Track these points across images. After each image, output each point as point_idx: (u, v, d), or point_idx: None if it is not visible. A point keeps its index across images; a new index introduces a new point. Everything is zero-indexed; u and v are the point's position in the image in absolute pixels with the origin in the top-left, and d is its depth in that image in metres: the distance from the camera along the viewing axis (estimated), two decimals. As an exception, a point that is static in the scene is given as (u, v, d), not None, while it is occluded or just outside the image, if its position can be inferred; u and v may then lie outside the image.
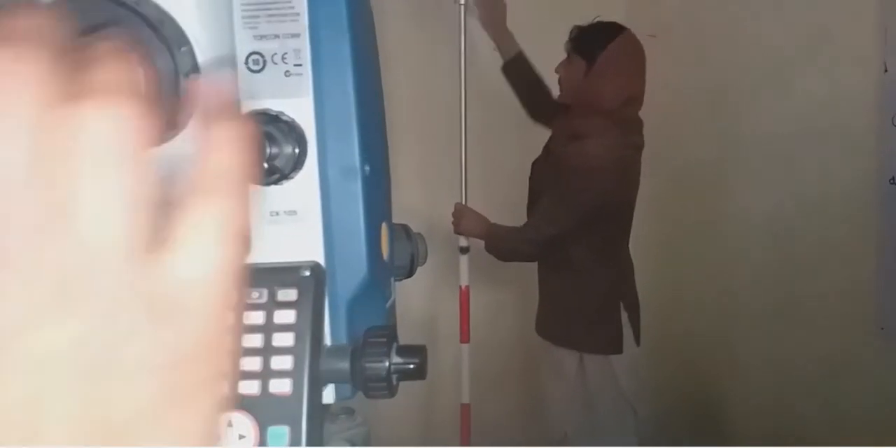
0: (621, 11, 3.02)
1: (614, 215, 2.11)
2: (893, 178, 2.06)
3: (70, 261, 0.19)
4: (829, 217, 2.20)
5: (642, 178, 2.18)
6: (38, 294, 0.19)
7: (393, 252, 0.57)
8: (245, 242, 0.22)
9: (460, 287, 2.38)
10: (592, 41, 1.96)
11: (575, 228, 2.01)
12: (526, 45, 2.25)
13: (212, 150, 0.22)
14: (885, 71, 2.04)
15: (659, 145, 2.94)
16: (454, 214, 2.27)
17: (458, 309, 2.39)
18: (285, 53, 0.43)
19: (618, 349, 2.12)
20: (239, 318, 0.23)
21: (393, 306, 0.56)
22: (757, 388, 2.49)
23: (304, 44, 0.43)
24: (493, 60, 2.31)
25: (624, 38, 1.99)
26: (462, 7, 2.23)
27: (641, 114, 2.12)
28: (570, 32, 2.04)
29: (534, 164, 2.26)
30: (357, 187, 0.45)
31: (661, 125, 2.90)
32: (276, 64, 0.41)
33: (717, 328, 2.67)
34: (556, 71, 2.10)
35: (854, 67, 2.12)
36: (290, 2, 0.41)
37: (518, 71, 2.21)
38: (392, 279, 0.57)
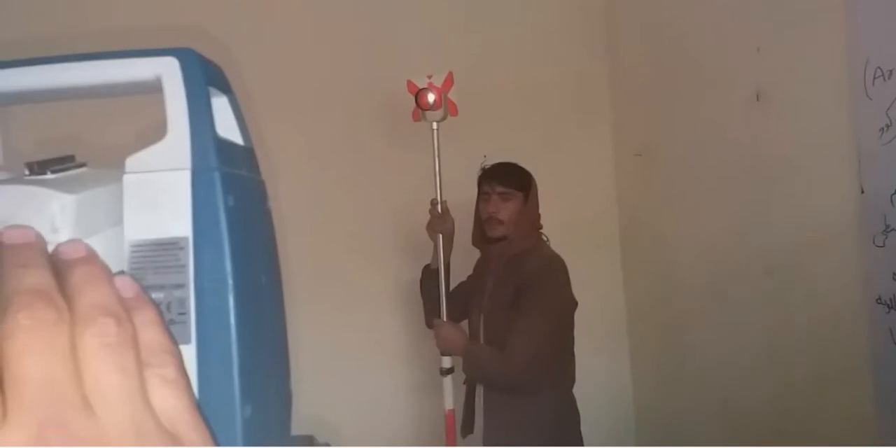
0: (608, 134, 3.11)
1: (572, 319, 2.20)
2: (880, 298, 2.04)
3: None
4: (821, 338, 2.16)
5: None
6: None
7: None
8: None
9: (445, 411, 2.32)
10: (524, 177, 2.28)
11: (554, 339, 2.11)
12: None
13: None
14: (862, 192, 2.06)
15: (649, 263, 2.95)
16: (434, 330, 2.26)
17: (444, 434, 2.32)
18: (170, 303, 0.44)
19: None
20: None
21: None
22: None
23: (189, 293, 0.43)
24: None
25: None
26: (435, 132, 2.39)
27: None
28: (497, 173, 2.28)
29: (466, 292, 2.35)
30: (237, 437, 0.44)
31: (653, 243, 2.92)
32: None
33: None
34: (492, 209, 2.25)
35: (831, 189, 2.14)
36: (176, 255, 0.43)
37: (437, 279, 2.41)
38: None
